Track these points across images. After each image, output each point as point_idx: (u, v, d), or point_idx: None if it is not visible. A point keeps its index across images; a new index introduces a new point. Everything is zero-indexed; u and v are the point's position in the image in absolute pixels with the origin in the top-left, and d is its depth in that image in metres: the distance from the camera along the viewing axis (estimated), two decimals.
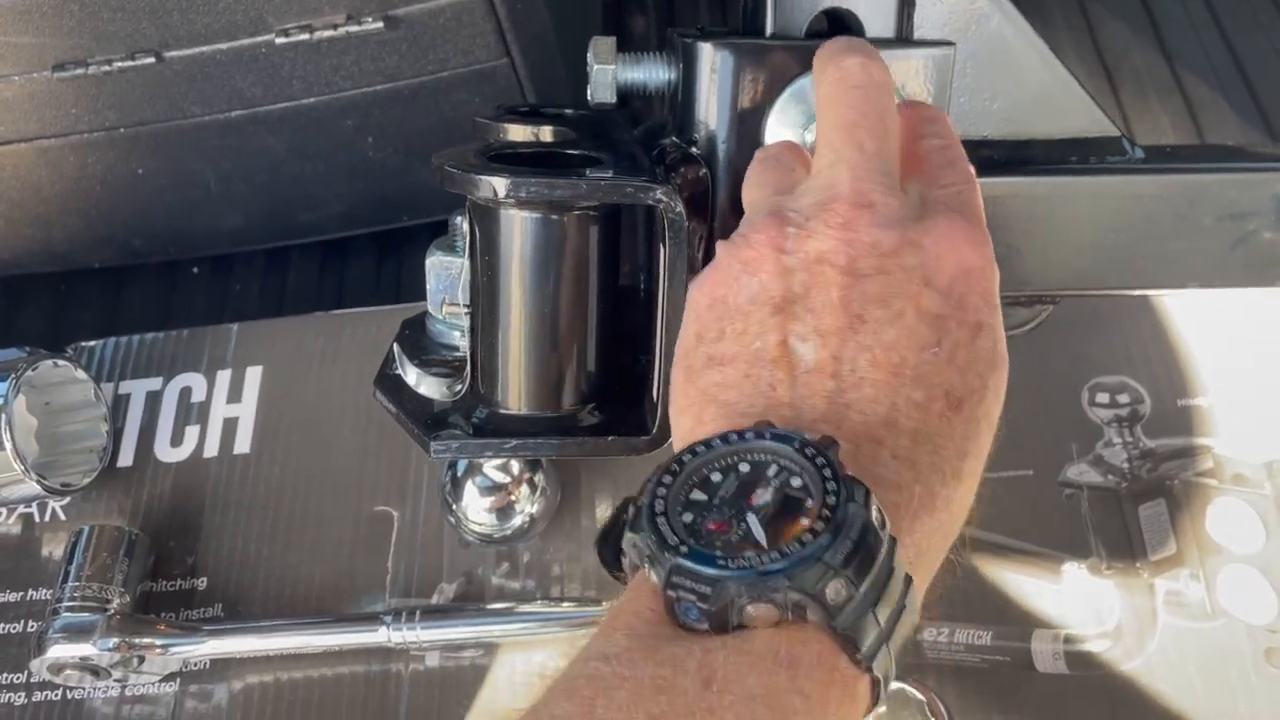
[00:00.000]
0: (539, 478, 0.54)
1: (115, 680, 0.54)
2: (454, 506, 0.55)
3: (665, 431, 0.43)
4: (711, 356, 0.32)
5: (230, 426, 0.62)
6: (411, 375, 0.44)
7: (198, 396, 0.63)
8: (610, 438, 0.43)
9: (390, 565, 0.56)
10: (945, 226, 0.33)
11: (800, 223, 0.33)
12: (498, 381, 0.44)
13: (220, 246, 0.86)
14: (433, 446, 0.43)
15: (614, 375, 0.45)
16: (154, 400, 0.63)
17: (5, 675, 0.55)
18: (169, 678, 0.54)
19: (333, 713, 0.52)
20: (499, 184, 0.39)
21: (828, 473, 0.27)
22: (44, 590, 0.58)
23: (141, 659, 0.52)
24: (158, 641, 0.52)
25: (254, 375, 0.63)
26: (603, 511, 0.57)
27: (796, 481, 0.28)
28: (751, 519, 0.27)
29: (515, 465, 0.54)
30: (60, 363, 0.59)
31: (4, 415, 0.55)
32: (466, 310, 0.43)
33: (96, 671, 0.52)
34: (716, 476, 0.28)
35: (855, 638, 0.26)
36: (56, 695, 0.55)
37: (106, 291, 0.86)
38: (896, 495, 0.29)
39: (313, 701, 0.53)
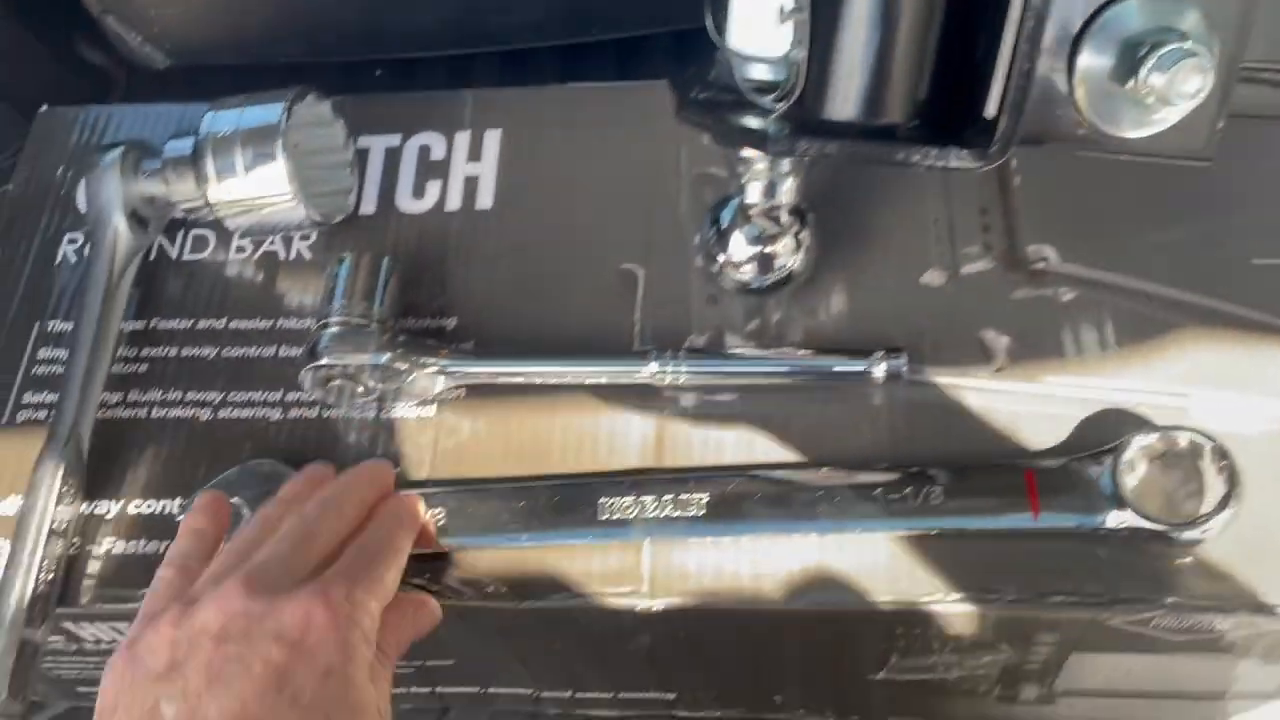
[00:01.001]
0: (805, 234, 0.55)
1: (373, 400, 0.55)
2: (717, 257, 0.55)
3: (1002, 148, 0.43)
4: None
5: (471, 184, 0.62)
6: (746, 92, 0.44)
7: (437, 155, 0.63)
8: (945, 146, 0.43)
9: (638, 318, 0.57)
10: (306, 598, 0.41)
11: (191, 599, 0.42)
12: (828, 88, 0.44)
13: (406, 49, 0.86)
14: (769, 144, 0.43)
15: (942, 94, 0.45)
16: (393, 155, 0.64)
17: (261, 393, 0.56)
18: (422, 405, 0.55)
19: (590, 449, 0.53)
20: None
21: None
22: (293, 319, 0.59)
23: (410, 377, 0.53)
24: (429, 359, 0.53)
25: (493, 137, 0.64)
26: (840, 301, 0.57)
27: None
28: None
29: (784, 216, 0.54)
30: (319, 101, 0.59)
31: (280, 137, 0.55)
32: (806, 15, 0.43)
33: (359, 383, 0.53)
34: None
35: None
36: (313, 414, 0.56)
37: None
38: None
39: (570, 437, 0.54)
